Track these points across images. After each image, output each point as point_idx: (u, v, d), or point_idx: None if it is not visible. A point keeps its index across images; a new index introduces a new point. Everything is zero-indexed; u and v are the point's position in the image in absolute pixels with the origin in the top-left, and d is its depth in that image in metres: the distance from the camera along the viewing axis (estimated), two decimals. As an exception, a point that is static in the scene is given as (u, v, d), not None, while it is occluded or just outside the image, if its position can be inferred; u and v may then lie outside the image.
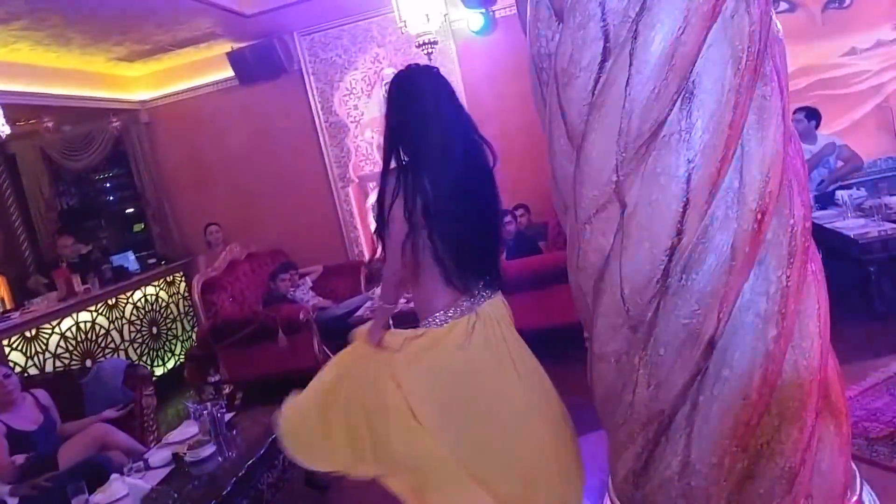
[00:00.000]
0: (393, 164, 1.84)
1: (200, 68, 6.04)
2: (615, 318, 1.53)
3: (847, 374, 2.89)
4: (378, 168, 5.69)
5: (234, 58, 5.63)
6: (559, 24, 1.60)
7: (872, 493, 1.72)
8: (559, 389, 1.91)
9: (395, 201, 1.77)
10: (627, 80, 1.43)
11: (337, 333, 4.41)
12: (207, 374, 3.62)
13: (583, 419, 1.94)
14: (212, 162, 6.17)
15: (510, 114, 5.22)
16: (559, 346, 2.84)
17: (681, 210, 1.43)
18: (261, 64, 5.62)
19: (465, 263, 1.83)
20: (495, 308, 1.89)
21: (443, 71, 1.96)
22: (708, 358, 1.44)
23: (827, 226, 3.99)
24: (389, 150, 1.85)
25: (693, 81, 1.43)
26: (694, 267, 1.44)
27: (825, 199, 4.49)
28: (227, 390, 3.98)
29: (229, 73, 5.76)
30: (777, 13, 5.38)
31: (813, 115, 4.73)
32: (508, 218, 4.65)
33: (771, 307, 1.46)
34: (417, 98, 1.83)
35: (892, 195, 4.21)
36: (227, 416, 2.88)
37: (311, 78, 5.88)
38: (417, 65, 1.92)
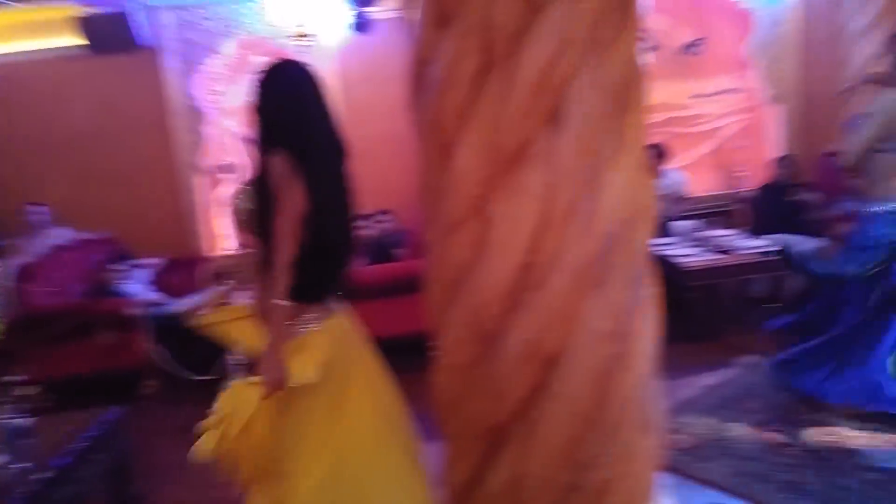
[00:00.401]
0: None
1: (40, 30, 5.40)
2: (464, 329, 1.54)
3: (671, 390, 3.16)
4: (237, 160, 5.50)
5: (84, 23, 5.10)
6: (443, 31, 1.58)
7: (674, 499, 1.87)
8: (404, 398, 1.92)
9: (287, 184, 1.71)
10: (502, 96, 1.45)
11: (170, 332, 4.12)
12: (8, 373, 3.19)
13: (424, 429, 1.95)
14: (46, 135, 5.53)
15: (383, 117, 5.17)
16: (406, 355, 2.84)
17: (537, 228, 1.47)
18: (113, 34, 5.11)
19: (334, 267, 1.81)
20: (345, 316, 1.85)
21: (315, 67, 1.91)
22: (547, 374, 1.49)
23: (659, 252, 4.33)
24: (267, 143, 1.78)
25: (562, 104, 1.47)
26: (543, 284, 1.48)
27: (663, 229, 4.88)
28: (33, 391, 3.54)
29: (75, 40, 5.20)
30: (642, 50, 5.73)
31: (662, 151, 5.13)
32: (368, 222, 4.60)
33: (609, 327, 1.53)
34: (298, 93, 1.80)
35: (719, 228, 4.66)
36: (28, 422, 2.55)
37: (170, 57, 5.47)
38: (293, 59, 1.88)
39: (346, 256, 1.90)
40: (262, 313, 1.79)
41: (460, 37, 1.46)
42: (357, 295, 1.96)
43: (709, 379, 3.32)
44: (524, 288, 1.48)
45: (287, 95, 1.79)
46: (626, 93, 1.56)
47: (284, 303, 1.71)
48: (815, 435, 2.64)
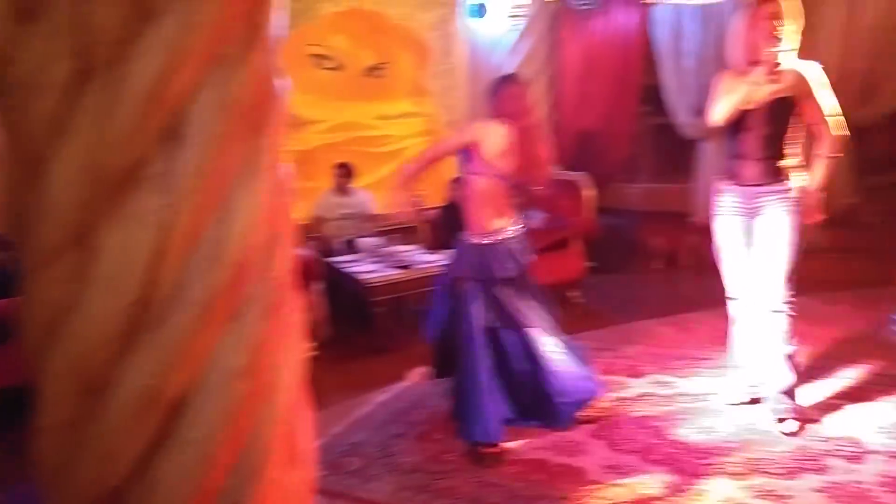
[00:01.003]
0: None
1: None
2: (67, 380, 1.32)
3: (338, 412, 3.21)
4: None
5: None
6: (26, 25, 1.34)
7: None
8: None
9: None
10: (106, 110, 1.27)
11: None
12: None
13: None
14: None
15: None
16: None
17: (154, 259, 1.32)
18: None
19: None
20: None
21: None
22: (170, 421, 1.35)
23: (347, 270, 4.44)
24: None
25: (180, 122, 1.35)
26: (164, 321, 1.34)
27: (350, 245, 5.01)
28: None
29: None
30: (325, 69, 5.76)
31: (349, 170, 5.26)
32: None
33: (244, 363, 1.45)
34: None
35: (402, 244, 4.92)
36: None
37: None
38: None
39: None
40: None
41: (48, 36, 1.25)
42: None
43: (383, 394, 3.44)
44: (139, 327, 1.32)
45: None
46: (258, 112, 1.50)
47: None
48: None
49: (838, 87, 2.83)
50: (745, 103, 2.70)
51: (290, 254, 1.68)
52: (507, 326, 2.88)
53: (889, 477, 2.46)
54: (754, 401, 3.07)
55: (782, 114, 2.76)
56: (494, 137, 2.80)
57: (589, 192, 5.56)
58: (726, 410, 3.06)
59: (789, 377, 2.87)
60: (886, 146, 5.07)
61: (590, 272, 5.37)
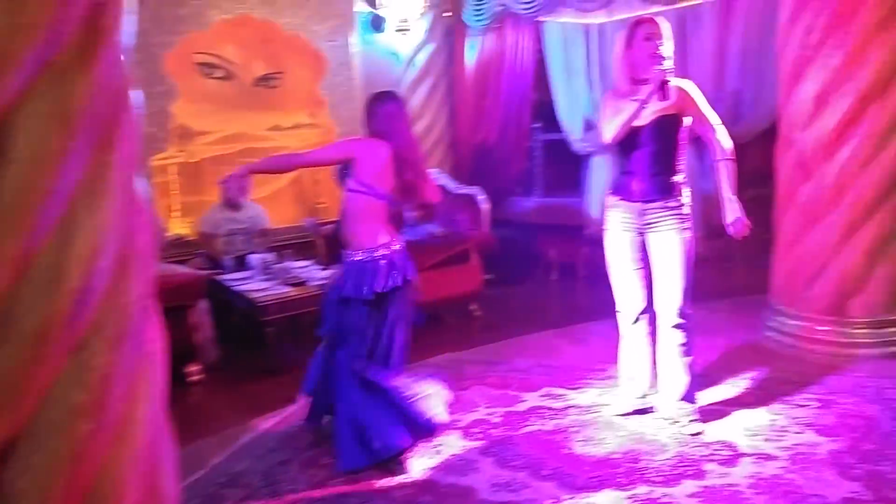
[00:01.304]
0: None
1: None
2: None
3: (220, 440, 3.05)
4: None
5: None
6: None
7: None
8: None
9: None
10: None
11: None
12: None
13: None
14: None
15: None
16: None
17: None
18: None
19: None
20: None
21: None
22: (-3, 470, 1.20)
23: (236, 288, 4.26)
24: None
25: (7, 135, 1.22)
26: (-12, 358, 1.20)
27: (240, 262, 4.82)
28: None
29: None
30: (214, 78, 5.52)
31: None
32: None
33: (88, 399, 1.32)
34: None
35: (296, 260, 4.78)
36: None
37: None
38: None
39: None
40: None
41: None
42: None
43: (271, 419, 3.30)
44: (-44, 365, 1.18)
45: None
46: (104, 126, 1.38)
47: None
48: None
49: (712, 107, 2.97)
50: (633, 121, 2.76)
51: (147, 277, 1.56)
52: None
53: (759, 478, 2.58)
54: (643, 411, 3.16)
55: (670, 130, 2.85)
56: (371, 155, 2.76)
57: (486, 206, 5.63)
58: (616, 422, 3.13)
59: (687, 384, 2.99)
60: (759, 162, 5.41)
61: (488, 285, 5.43)
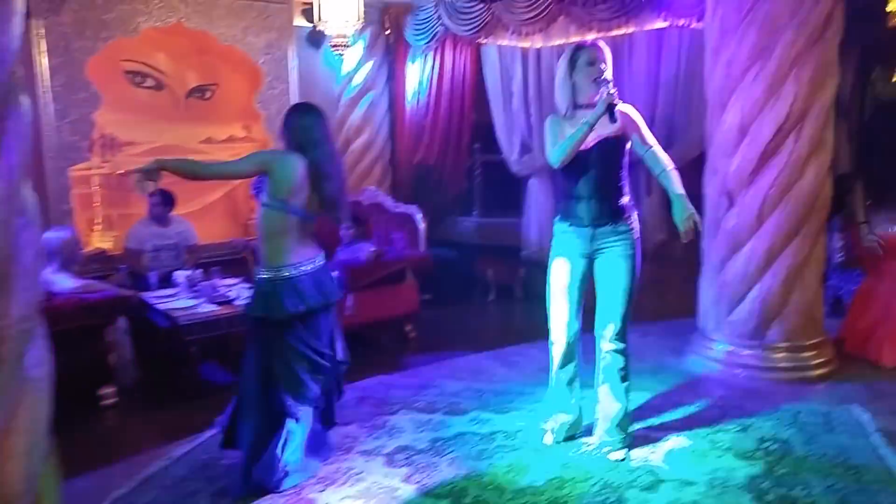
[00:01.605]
0: None
1: None
2: None
3: (129, 469, 2.89)
4: None
5: None
6: None
7: None
8: None
9: None
10: None
11: None
12: None
13: None
14: None
15: None
16: None
17: None
18: None
19: None
20: None
21: None
22: None
23: (158, 306, 4.10)
24: None
25: None
26: None
27: (166, 279, 4.65)
28: None
29: None
30: (144, 87, 5.36)
31: (169, 198, 4.89)
32: None
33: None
34: None
35: (223, 277, 4.64)
36: None
37: None
38: None
39: None
40: None
41: None
42: None
43: (186, 446, 3.16)
44: None
45: None
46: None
47: None
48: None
49: None
50: (580, 145, 2.76)
51: (31, 297, 1.47)
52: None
53: (681, 503, 2.62)
54: (572, 437, 3.16)
55: (614, 153, 2.85)
56: (286, 168, 2.67)
57: (423, 225, 5.61)
58: (542, 447, 3.12)
59: (622, 409, 3.01)
60: (691, 188, 5.55)
61: (425, 305, 5.39)
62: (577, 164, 2.82)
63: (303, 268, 2.74)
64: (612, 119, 2.73)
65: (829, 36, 3.80)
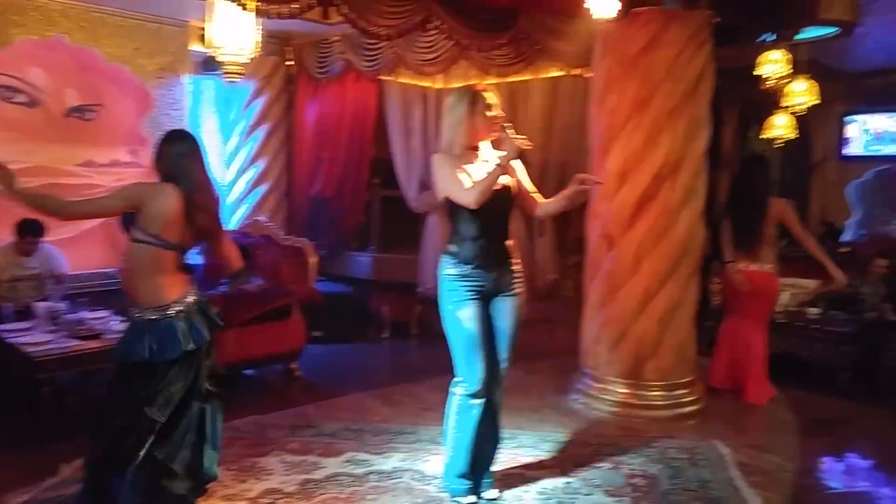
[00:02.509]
0: None
1: None
2: None
3: None
4: None
5: None
6: None
7: None
8: None
9: None
10: None
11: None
12: None
13: None
14: None
15: None
16: None
17: None
18: None
19: None
20: None
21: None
22: None
23: (10, 340, 3.82)
24: None
25: None
26: None
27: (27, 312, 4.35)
28: None
29: None
30: (14, 102, 5.09)
31: (31, 228, 4.57)
32: None
33: None
34: None
35: (93, 310, 4.39)
36: None
37: None
38: None
39: None
40: None
41: None
42: None
43: (25, 494, 2.93)
44: None
45: None
46: None
47: None
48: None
49: (541, 177, 3.08)
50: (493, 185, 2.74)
51: None
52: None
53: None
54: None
55: (508, 196, 2.88)
56: (158, 201, 2.57)
57: (314, 259, 5.53)
58: (415, 487, 3.09)
59: (498, 450, 3.02)
60: (581, 231, 5.80)
61: (316, 342, 5.29)
62: (487, 204, 2.77)
63: (177, 307, 2.63)
64: (512, 163, 2.79)
65: (702, 91, 4.10)
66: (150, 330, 2.58)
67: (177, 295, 2.64)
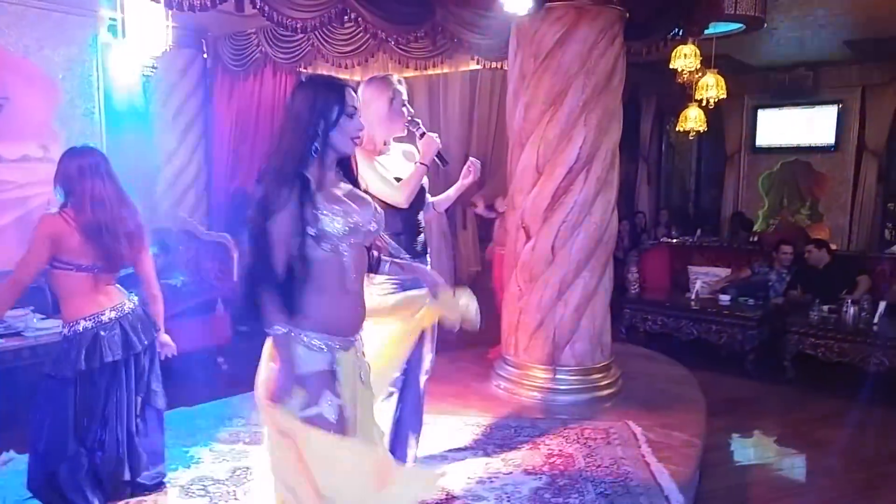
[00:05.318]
0: None
1: None
2: None
3: None
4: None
5: None
6: None
7: None
8: None
9: None
10: None
11: None
12: None
13: None
14: None
15: None
16: None
17: None
18: None
19: None
20: None
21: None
22: None
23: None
24: None
25: None
26: None
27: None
28: None
29: None
30: None
31: None
32: None
33: None
34: None
35: (12, 307, 4.35)
36: None
37: None
38: None
39: None
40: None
41: None
42: None
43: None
44: None
45: None
46: None
47: None
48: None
49: (460, 171, 3.22)
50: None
51: None
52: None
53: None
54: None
55: (423, 192, 3.07)
56: (63, 229, 2.65)
57: (236, 254, 5.62)
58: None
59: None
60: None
61: (243, 337, 5.38)
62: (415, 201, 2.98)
63: (111, 316, 2.76)
64: (444, 163, 3.00)
65: (615, 85, 4.40)
66: (75, 344, 2.71)
67: (104, 307, 2.78)
